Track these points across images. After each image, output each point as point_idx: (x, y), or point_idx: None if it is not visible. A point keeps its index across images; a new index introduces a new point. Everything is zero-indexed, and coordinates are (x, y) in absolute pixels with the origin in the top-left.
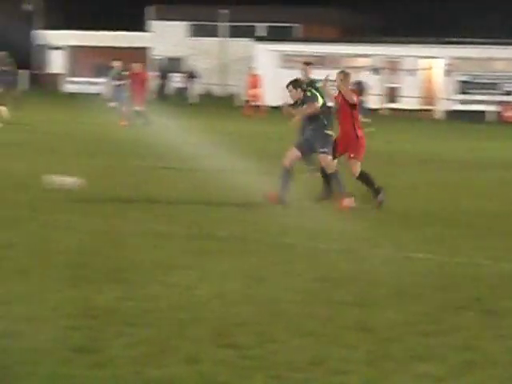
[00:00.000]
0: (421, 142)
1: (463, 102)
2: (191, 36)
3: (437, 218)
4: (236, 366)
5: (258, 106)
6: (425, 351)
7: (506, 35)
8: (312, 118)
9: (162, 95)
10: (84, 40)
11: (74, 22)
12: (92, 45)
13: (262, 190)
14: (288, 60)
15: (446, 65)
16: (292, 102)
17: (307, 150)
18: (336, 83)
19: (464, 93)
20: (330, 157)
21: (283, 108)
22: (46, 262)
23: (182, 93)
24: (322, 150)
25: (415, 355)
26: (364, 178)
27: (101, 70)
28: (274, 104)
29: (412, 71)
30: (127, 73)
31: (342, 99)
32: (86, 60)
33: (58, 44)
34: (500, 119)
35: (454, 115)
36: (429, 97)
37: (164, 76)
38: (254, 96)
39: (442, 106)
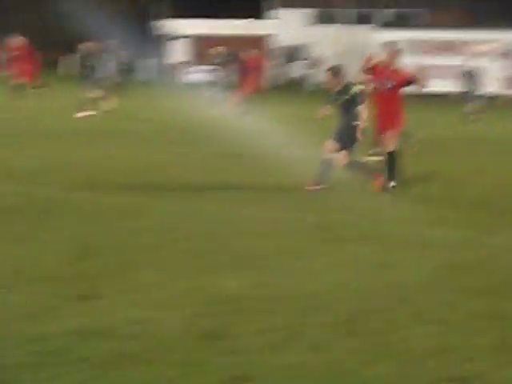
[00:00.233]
0: None
1: None
2: (316, 23)
3: None
4: (363, 354)
5: None
6: None
7: None
8: (348, 108)
9: (282, 83)
10: (206, 29)
11: (196, 10)
12: (213, 33)
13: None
14: (415, 46)
15: None
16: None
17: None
18: (387, 60)
19: None
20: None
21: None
22: (174, 250)
23: (303, 80)
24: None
25: None
26: (392, 157)
27: (220, 59)
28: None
29: None
30: (232, 59)
31: (393, 76)
32: (207, 49)
33: (180, 33)
34: None
35: None
36: None
37: (287, 63)
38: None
39: None
